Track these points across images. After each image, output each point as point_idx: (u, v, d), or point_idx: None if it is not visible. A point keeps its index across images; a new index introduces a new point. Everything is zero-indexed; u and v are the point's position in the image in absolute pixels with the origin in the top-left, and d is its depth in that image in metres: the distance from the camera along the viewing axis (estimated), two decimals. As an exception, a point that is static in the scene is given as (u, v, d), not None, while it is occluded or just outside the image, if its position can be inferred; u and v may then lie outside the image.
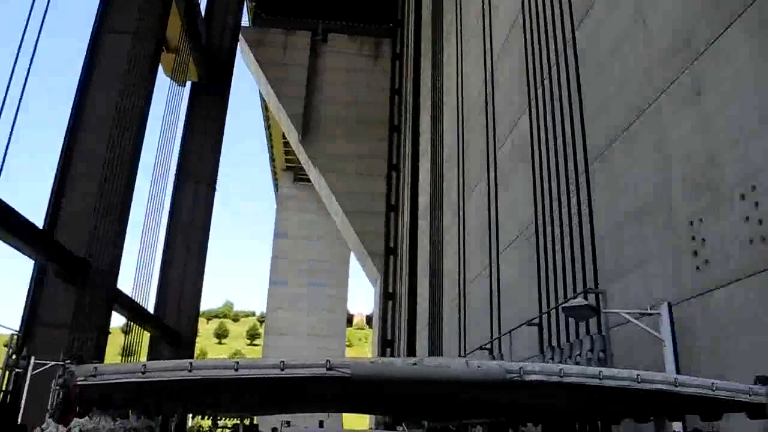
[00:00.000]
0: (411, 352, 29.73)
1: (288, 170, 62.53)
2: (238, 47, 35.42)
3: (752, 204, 8.21)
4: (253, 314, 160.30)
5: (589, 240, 12.07)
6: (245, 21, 40.23)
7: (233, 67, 31.78)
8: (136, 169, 19.40)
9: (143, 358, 22.60)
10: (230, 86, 31.23)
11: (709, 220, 9.04)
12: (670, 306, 9.71)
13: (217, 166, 29.77)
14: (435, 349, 24.70)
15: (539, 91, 15.33)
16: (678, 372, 8.56)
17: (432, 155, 28.32)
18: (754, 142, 8.28)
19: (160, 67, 22.95)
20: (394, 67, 39.80)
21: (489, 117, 19.73)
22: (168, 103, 25.28)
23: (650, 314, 9.70)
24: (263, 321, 75.85)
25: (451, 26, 26.52)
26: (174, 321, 26.02)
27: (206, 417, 16.18)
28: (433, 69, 29.43)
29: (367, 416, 38.75)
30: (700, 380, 4.32)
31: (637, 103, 10.95)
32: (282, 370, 4.31)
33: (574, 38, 13.64)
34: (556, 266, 13.41)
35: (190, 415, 23.36)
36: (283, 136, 50.59)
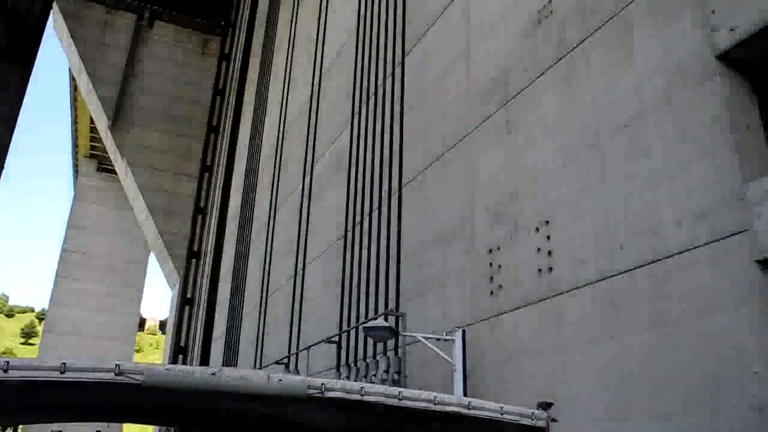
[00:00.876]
0: (205, 361, 28.34)
1: (92, 158, 57.59)
2: (52, 17, 32.01)
3: (545, 237, 8.71)
4: (32, 310, 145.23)
5: (395, 260, 12.20)
6: (63, -11, 36.59)
7: (41, 36, 28.61)
8: None
9: None
10: (35, 57, 28.03)
11: (505, 249, 9.46)
12: (464, 333, 10.02)
13: (9, 142, 26.43)
14: (230, 359, 23.72)
15: (363, 111, 15.42)
16: (465, 393, 8.77)
17: (248, 160, 27.51)
18: (552, 182, 8.82)
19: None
20: (221, 67, 38.39)
21: (311, 129, 19.53)
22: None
23: (446, 339, 9.93)
24: (43, 318, 68.59)
25: (284, 35, 26.13)
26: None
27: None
28: (261, 74, 28.75)
29: (150, 428, 36.33)
30: (491, 404, 4.32)
31: (454, 133, 11.30)
32: (62, 373, 3.66)
33: (403, 64, 13.90)
34: (360, 283, 13.39)
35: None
36: (91, 120, 46.58)
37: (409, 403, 4.11)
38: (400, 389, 4.16)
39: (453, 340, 9.96)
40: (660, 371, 7.13)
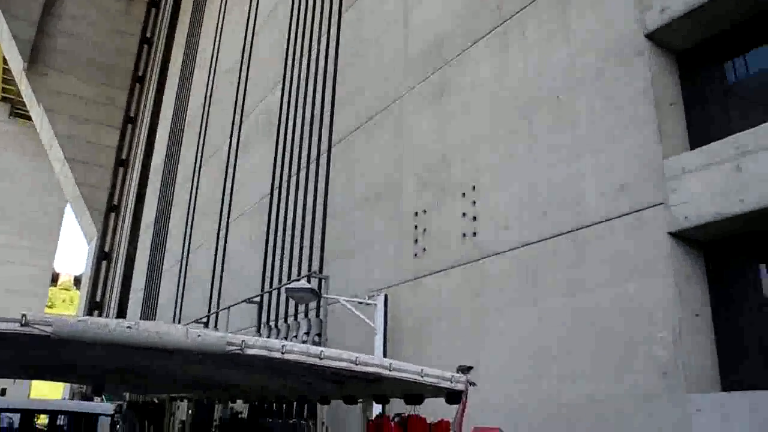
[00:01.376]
0: (121, 317, 27.50)
1: (4, 101, 54.07)
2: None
3: (471, 202, 8.74)
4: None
5: (321, 220, 12.04)
6: None
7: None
8: None
9: None
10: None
11: (432, 213, 9.45)
12: (386, 297, 10.04)
13: None
14: (148, 317, 23.04)
15: (296, 68, 14.99)
16: (385, 356, 8.79)
17: (175, 113, 26.45)
18: (481, 148, 8.83)
19: None
20: (149, 15, 36.47)
21: (241, 84, 18.90)
22: None
23: (368, 303, 9.91)
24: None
25: (218, -15, 25.06)
26: None
27: None
28: (191, 25, 27.53)
29: (61, 386, 35.13)
30: (412, 367, 4.29)
31: (387, 95, 11.12)
32: (-36, 325, 3.35)
33: (339, 23, 13.54)
34: (285, 243, 13.17)
35: None
36: (5, 61, 43.54)
37: (331, 363, 4.02)
38: (322, 349, 4.06)
39: (375, 304, 9.94)
40: (575, 335, 7.35)
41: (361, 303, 9.90)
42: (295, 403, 10.41)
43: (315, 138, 13.03)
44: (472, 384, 4.41)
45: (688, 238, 6.70)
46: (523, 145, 8.21)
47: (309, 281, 10.96)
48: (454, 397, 4.48)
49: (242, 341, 3.86)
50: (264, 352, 3.89)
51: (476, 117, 9.02)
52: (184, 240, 20.79)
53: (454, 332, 8.87)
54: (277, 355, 3.91)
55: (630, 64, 7.12)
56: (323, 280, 10.87)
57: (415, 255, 9.58)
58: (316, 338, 10.96)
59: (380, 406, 5.80)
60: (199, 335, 3.79)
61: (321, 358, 3.96)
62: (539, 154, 7.97)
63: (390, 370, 4.16)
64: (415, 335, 9.40)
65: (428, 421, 4.77)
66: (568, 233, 7.54)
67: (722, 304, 6.87)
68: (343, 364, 4.00)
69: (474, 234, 8.66)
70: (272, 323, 12.76)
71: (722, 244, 6.83)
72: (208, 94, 22.29)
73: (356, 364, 4.07)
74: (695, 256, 6.85)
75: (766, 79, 6.89)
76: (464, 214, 8.79)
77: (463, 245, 8.81)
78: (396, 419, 4.86)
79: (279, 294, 12.75)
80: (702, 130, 7.14)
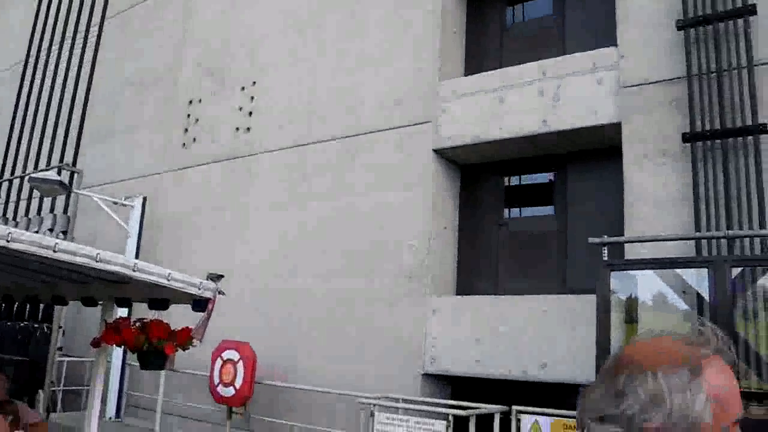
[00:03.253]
0: None
1: None
2: None
3: (249, 98, 8.44)
4: None
5: (83, 100, 10.82)
6: None
7: None
8: None
9: None
10: None
11: (207, 103, 8.99)
12: (144, 200, 9.47)
13: None
14: None
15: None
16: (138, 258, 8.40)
17: None
18: (268, 44, 8.45)
19: None
20: None
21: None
22: None
23: (125, 205, 9.29)
24: None
25: None
26: None
27: None
28: None
29: None
30: (158, 269, 4.04)
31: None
32: None
33: None
34: (35, 124, 11.70)
35: None
36: None
37: (67, 257, 3.61)
38: (57, 240, 3.64)
39: (132, 206, 9.36)
40: (335, 237, 7.69)
41: (116, 203, 9.21)
42: (29, 304, 9.49)
43: (87, 7, 11.61)
44: (221, 293, 4.32)
45: (449, 157, 7.19)
46: (310, 48, 7.96)
47: (59, 173, 9.91)
48: (201, 304, 4.36)
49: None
50: (-16, 240, 3.38)
51: (266, 12, 8.54)
52: None
53: (218, 230, 8.67)
54: (2, 242, 3.42)
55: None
56: (76, 174, 9.89)
57: (184, 145, 9.12)
58: (62, 236, 10.01)
59: (125, 311, 5.50)
60: None
61: (55, 251, 3.55)
62: (324, 60, 7.81)
63: (134, 271, 3.88)
64: (175, 233, 9.10)
65: (171, 328, 4.60)
66: (341, 139, 7.67)
67: (467, 221, 7.60)
68: (81, 260, 3.63)
69: (248, 129, 8.41)
70: (9, 216, 11.41)
71: (477, 167, 7.43)
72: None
73: (97, 261, 3.72)
74: (453, 175, 7.42)
75: (535, 26, 7.43)
76: (240, 108, 8.44)
77: (235, 139, 8.53)
78: (137, 324, 4.62)
79: (22, 184, 11.38)
80: (477, 60, 7.51)
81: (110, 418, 9.76)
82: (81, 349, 9.35)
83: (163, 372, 9.29)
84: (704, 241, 5.74)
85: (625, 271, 5.45)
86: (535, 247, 7.30)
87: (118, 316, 4.85)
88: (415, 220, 7.11)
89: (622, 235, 6.04)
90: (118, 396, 9.87)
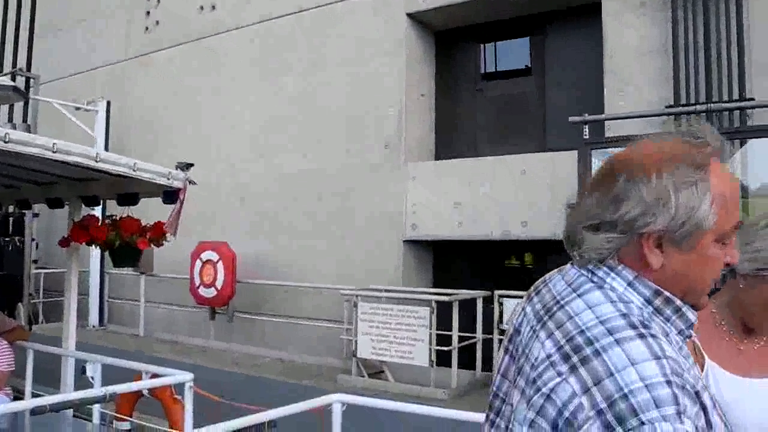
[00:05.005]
0: None
1: None
2: None
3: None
4: None
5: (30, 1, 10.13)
6: None
7: None
8: None
9: None
10: None
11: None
12: (108, 104, 9.06)
13: None
14: None
15: None
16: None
17: None
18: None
19: None
20: None
21: None
22: None
23: (88, 110, 8.87)
24: None
25: None
26: None
27: None
28: None
29: None
30: (124, 159, 3.77)
31: None
32: None
33: None
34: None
35: None
36: None
37: (20, 148, 3.32)
38: (8, 131, 3.32)
39: (96, 111, 8.93)
40: (310, 113, 7.55)
41: (79, 109, 8.78)
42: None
43: None
44: (191, 182, 4.07)
45: (423, 21, 7.02)
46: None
47: (14, 79, 9.32)
48: (172, 196, 4.12)
49: None
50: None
51: None
52: None
53: (190, 119, 8.44)
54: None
55: None
56: (32, 80, 9.33)
57: (147, 29, 8.70)
58: (23, 147, 9.52)
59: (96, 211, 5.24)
60: None
61: (6, 141, 3.24)
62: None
63: (97, 161, 3.61)
64: (146, 132, 8.80)
65: (143, 224, 4.38)
66: (311, 9, 7.39)
67: (444, 86, 7.51)
68: (35, 150, 3.34)
69: (213, 8, 8.01)
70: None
71: (453, 33, 7.26)
72: None
73: (54, 152, 3.43)
74: (428, 41, 7.24)
75: None
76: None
77: (201, 18, 8.12)
78: (107, 221, 4.39)
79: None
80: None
81: (93, 326, 9.70)
82: (59, 261, 9.15)
83: (143, 277, 9.17)
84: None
85: (606, 149, 5.30)
86: (514, 110, 7.20)
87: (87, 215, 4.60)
88: (391, 88, 6.95)
89: (602, 101, 5.92)
90: (100, 304, 9.77)
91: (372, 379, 6.42)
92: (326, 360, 7.30)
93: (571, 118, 5.38)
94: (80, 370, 4.08)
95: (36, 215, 10.14)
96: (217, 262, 7.87)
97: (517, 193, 6.52)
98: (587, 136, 5.32)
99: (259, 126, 7.95)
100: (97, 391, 3.15)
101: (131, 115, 8.91)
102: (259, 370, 7.14)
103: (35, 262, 10.52)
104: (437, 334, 5.93)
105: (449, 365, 5.98)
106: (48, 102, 8.63)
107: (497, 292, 6.47)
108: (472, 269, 7.29)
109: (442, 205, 6.94)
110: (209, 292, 7.99)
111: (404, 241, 7.16)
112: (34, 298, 9.80)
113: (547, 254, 6.80)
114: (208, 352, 8.12)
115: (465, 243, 7.06)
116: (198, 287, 8.09)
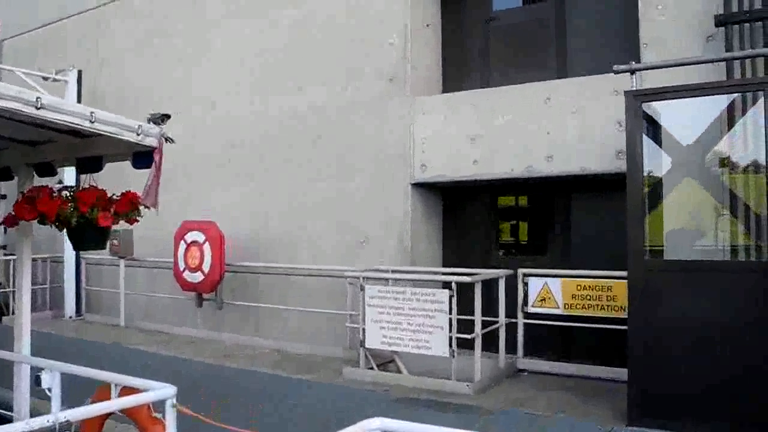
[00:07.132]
0: None
1: None
2: None
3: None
4: None
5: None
6: None
7: None
8: None
9: None
10: None
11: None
12: (80, 73, 8.11)
13: None
14: None
15: None
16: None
17: None
18: None
19: None
20: None
21: None
22: None
23: (57, 80, 7.91)
24: None
25: None
26: None
27: None
28: None
29: None
30: (77, 106, 2.86)
31: None
32: None
33: None
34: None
35: None
36: None
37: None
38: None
39: (66, 81, 7.97)
40: (303, 45, 6.93)
41: (47, 79, 7.82)
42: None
43: None
44: (169, 140, 3.14)
45: None
46: None
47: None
48: (144, 158, 3.19)
49: None
50: None
51: None
52: None
53: (174, 54, 7.77)
54: None
55: None
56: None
57: None
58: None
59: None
60: None
61: None
62: None
63: (38, 109, 2.67)
64: (124, 98, 7.93)
65: (109, 195, 3.44)
66: None
67: (451, 16, 6.84)
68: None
69: None
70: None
71: None
72: None
73: (27, 105, 2.48)
74: None
75: None
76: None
77: None
78: (64, 193, 3.44)
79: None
80: None
81: (70, 316, 8.73)
82: (33, 246, 8.23)
83: (122, 262, 8.22)
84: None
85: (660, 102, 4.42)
86: (530, 38, 6.48)
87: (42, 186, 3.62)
88: (393, 16, 6.32)
89: (634, 16, 5.19)
90: (77, 292, 8.81)
91: (382, 371, 5.57)
92: (328, 350, 6.45)
93: (616, 67, 4.51)
94: (34, 379, 3.15)
95: (3, 196, 9.13)
96: (204, 243, 6.94)
97: (540, 123, 5.71)
98: (635, 87, 4.44)
99: (250, 63, 7.36)
100: (43, 420, 2.22)
101: (107, 87, 8.02)
102: (253, 363, 6.26)
103: (4, 247, 9.54)
104: (457, 320, 5.08)
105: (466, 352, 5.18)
106: (10, 70, 7.62)
107: (521, 271, 5.67)
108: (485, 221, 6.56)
109: (456, 141, 6.16)
110: (195, 277, 7.07)
111: (413, 185, 6.30)
112: (4, 287, 8.84)
113: (572, 192, 6.11)
114: (195, 343, 7.24)
115: (478, 189, 6.35)
116: (183, 272, 7.16)
